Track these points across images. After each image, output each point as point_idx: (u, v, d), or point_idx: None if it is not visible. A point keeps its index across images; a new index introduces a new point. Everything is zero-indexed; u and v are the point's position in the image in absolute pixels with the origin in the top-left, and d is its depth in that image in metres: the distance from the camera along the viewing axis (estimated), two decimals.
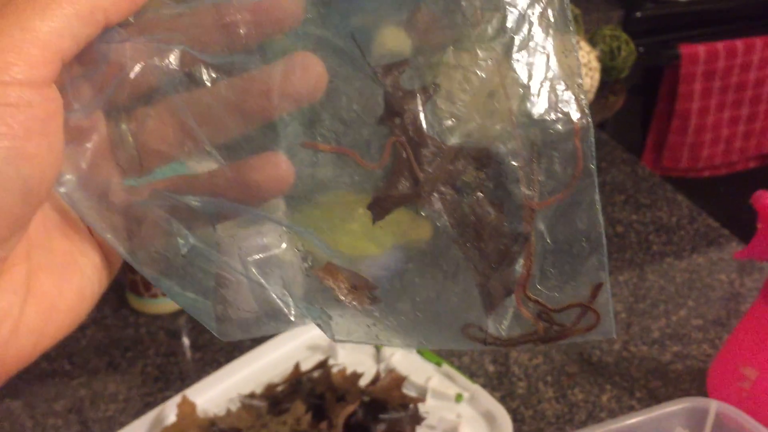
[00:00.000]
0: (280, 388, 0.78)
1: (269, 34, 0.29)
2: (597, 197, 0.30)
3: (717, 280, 0.96)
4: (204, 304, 0.30)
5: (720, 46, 1.59)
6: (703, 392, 0.79)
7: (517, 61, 0.30)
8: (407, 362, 0.82)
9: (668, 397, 0.77)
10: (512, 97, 0.30)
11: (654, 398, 0.80)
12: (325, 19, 0.29)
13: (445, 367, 0.81)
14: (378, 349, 0.84)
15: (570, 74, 0.30)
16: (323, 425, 0.70)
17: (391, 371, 0.78)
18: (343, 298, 0.30)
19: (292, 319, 0.30)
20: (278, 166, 0.30)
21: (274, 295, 0.30)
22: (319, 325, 0.30)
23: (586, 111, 0.30)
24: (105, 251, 0.30)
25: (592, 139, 0.30)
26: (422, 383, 0.79)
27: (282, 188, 0.30)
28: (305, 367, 0.80)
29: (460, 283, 0.31)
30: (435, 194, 0.30)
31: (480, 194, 0.30)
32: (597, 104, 1.42)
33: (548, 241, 0.30)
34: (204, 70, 0.29)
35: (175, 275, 0.30)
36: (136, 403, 0.81)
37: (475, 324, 0.31)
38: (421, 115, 0.30)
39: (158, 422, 0.75)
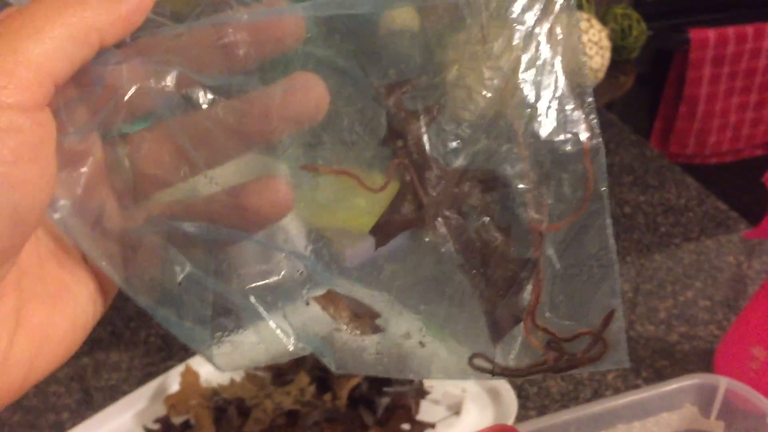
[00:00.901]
0: None
1: (269, 55, 0.27)
2: (609, 220, 0.27)
3: (725, 262, 0.92)
4: (201, 334, 0.27)
5: (730, 31, 1.53)
6: (709, 372, 0.76)
7: (525, 80, 0.27)
8: None
9: (674, 377, 0.74)
10: (519, 117, 0.27)
11: (660, 377, 0.77)
12: (327, 39, 0.26)
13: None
14: None
15: (579, 93, 0.26)
16: (327, 397, 0.68)
17: None
18: (344, 327, 0.28)
19: (291, 348, 0.28)
20: (277, 191, 0.27)
21: (273, 324, 0.28)
22: (320, 356, 0.27)
23: (597, 131, 0.27)
24: (100, 279, 0.28)
25: (603, 161, 0.27)
26: None
27: (281, 213, 0.27)
28: None
29: (466, 311, 0.28)
30: (440, 218, 0.28)
31: (486, 218, 0.28)
32: (607, 83, 1.38)
33: (558, 266, 0.28)
34: (201, 92, 0.26)
35: (172, 304, 0.27)
36: (139, 372, 0.79)
37: (482, 354, 0.28)
38: (425, 137, 0.27)
39: (161, 391, 0.72)
